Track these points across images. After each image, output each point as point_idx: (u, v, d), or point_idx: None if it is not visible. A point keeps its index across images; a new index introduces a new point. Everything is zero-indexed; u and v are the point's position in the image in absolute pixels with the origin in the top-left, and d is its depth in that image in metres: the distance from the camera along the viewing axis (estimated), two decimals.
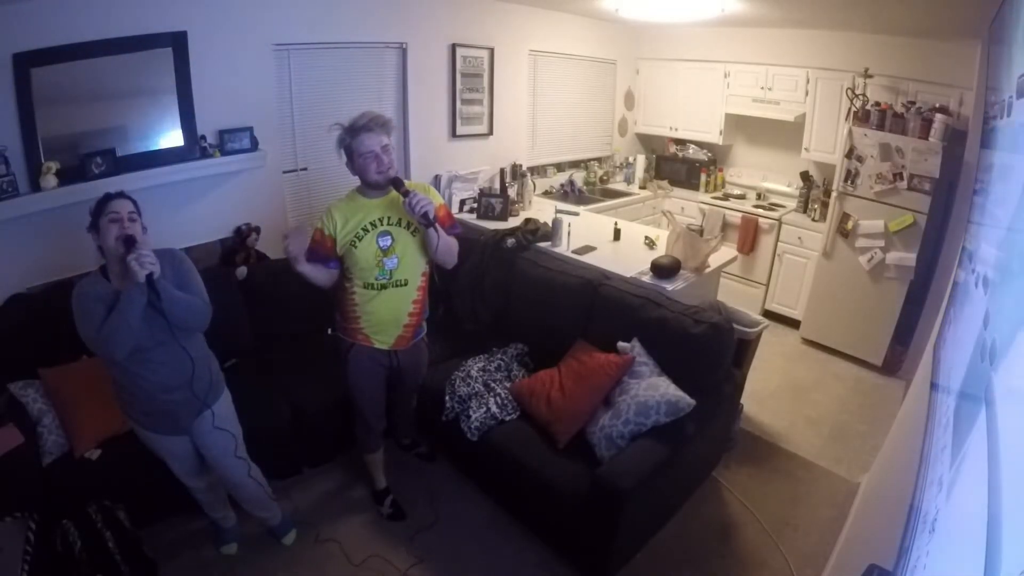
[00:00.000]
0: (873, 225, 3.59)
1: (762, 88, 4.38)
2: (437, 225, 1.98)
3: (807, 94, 4.15)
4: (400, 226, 2.04)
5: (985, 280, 1.06)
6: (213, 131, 2.77)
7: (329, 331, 2.50)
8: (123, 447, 2.11)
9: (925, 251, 3.46)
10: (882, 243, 3.58)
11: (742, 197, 4.70)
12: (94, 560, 1.86)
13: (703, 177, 4.90)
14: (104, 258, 1.70)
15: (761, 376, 3.46)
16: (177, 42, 2.58)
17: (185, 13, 2.58)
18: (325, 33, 3.12)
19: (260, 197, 3.07)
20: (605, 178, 5.13)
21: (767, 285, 4.38)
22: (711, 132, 4.76)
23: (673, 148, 5.23)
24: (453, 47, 3.74)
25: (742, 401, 2.98)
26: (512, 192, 3.98)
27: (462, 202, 3.83)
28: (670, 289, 2.74)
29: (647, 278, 2.83)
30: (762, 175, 4.78)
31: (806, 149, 4.25)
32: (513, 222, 3.51)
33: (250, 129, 2.88)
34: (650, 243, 3.23)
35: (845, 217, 3.71)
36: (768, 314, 4.21)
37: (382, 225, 2.02)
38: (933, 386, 1.51)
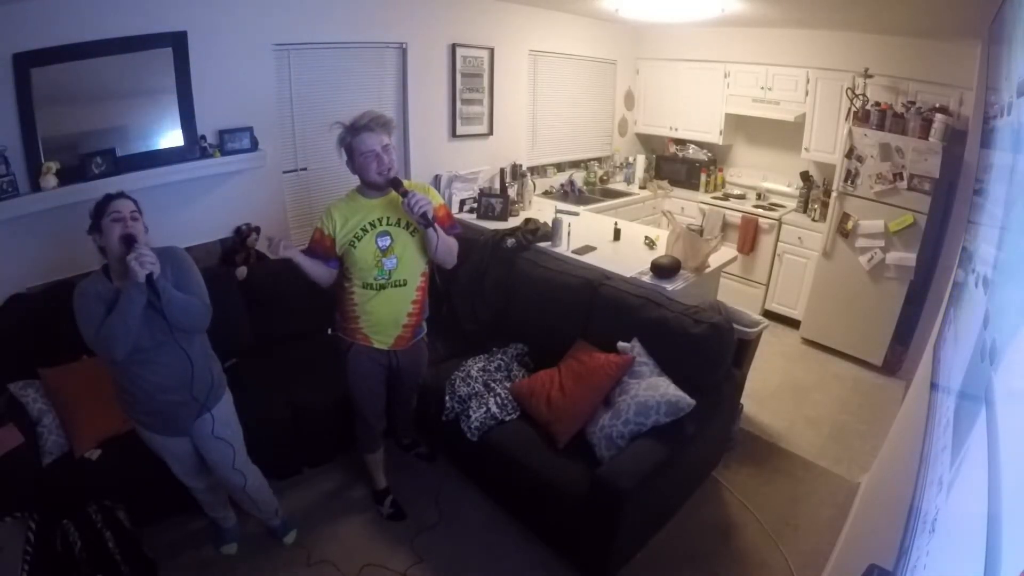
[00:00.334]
0: (873, 225, 3.59)
1: (762, 88, 4.37)
2: (436, 225, 1.98)
3: (807, 94, 4.15)
4: (399, 226, 2.04)
5: (985, 280, 1.06)
6: (213, 131, 2.77)
7: (329, 331, 2.50)
8: (123, 447, 2.12)
9: (925, 251, 3.46)
10: (882, 243, 3.58)
11: (742, 197, 4.70)
12: (94, 560, 1.86)
13: (703, 177, 4.90)
14: (106, 259, 1.70)
15: (761, 376, 3.46)
16: (177, 42, 2.58)
17: (185, 13, 2.58)
18: (325, 33, 3.12)
19: (260, 197, 3.07)
20: (605, 178, 5.13)
21: (767, 285, 4.38)
22: (711, 132, 4.76)
23: (673, 148, 5.23)
24: (453, 47, 3.74)
25: (742, 401, 2.98)
26: (512, 192, 3.98)
27: (462, 202, 3.83)
28: (670, 289, 2.74)
29: (647, 278, 2.83)
30: (762, 175, 4.78)
31: (806, 149, 4.24)
32: (513, 222, 3.51)
33: (250, 129, 2.89)
34: (650, 243, 3.23)
35: (845, 217, 3.71)
36: (768, 314, 4.21)
37: (381, 225, 2.02)
38: (933, 386, 1.51)
